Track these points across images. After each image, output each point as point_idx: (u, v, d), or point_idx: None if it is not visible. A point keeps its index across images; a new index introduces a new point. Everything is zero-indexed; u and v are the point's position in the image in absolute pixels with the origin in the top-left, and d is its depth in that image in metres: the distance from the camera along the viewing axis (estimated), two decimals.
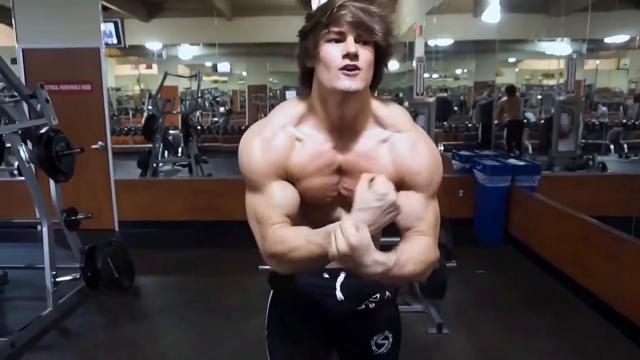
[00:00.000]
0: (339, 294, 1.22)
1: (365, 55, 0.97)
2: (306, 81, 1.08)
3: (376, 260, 0.90)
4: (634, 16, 6.16)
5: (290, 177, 1.08)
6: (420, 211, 1.08)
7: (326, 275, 1.22)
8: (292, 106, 1.11)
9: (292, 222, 1.07)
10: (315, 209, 1.13)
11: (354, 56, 0.96)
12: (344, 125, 1.06)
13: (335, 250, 0.88)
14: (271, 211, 1.06)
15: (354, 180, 1.01)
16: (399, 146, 1.08)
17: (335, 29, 0.96)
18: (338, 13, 0.95)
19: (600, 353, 2.73)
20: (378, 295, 1.25)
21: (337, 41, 0.97)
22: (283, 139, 1.07)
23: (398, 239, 1.11)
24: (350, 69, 0.96)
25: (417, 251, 1.04)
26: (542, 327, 3.02)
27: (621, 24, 6.56)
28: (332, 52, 0.97)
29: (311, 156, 1.07)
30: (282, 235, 1.03)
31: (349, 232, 0.86)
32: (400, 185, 1.06)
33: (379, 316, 1.28)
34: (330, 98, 1.02)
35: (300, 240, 0.99)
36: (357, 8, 0.95)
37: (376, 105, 1.10)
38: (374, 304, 1.25)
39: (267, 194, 1.07)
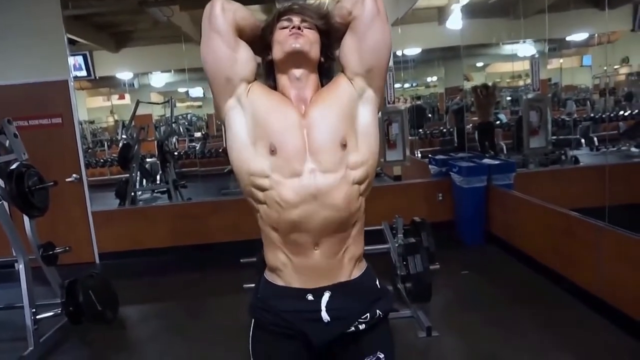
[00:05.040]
0: (325, 316, 1.16)
1: (310, 32, 1.20)
2: (270, 74, 1.25)
3: None
4: (590, 15, 6.38)
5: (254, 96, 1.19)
6: None
7: (310, 297, 1.17)
8: None
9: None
10: (294, 226, 1.14)
11: (298, 27, 1.18)
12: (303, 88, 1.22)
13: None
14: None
15: (317, 120, 1.15)
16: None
17: (284, 17, 1.21)
18: (286, 8, 1.23)
19: (589, 342, 2.77)
20: (368, 315, 1.20)
21: (286, 27, 1.20)
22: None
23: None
24: (295, 33, 1.17)
25: None
26: (530, 321, 3.05)
27: (578, 23, 6.79)
28: (283, 31, 1.20)
29: (274, 93, 1.21)
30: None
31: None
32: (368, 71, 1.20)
33: (369, 338, 1.20)
34: (287, 69, 1.20)
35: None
36: (298, 5, 1.24)
37: None
38: (364, 325, 1.19)
39: None
